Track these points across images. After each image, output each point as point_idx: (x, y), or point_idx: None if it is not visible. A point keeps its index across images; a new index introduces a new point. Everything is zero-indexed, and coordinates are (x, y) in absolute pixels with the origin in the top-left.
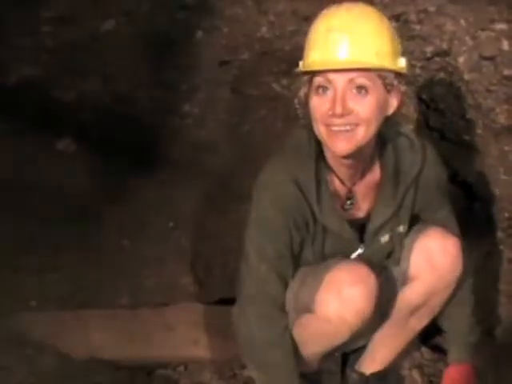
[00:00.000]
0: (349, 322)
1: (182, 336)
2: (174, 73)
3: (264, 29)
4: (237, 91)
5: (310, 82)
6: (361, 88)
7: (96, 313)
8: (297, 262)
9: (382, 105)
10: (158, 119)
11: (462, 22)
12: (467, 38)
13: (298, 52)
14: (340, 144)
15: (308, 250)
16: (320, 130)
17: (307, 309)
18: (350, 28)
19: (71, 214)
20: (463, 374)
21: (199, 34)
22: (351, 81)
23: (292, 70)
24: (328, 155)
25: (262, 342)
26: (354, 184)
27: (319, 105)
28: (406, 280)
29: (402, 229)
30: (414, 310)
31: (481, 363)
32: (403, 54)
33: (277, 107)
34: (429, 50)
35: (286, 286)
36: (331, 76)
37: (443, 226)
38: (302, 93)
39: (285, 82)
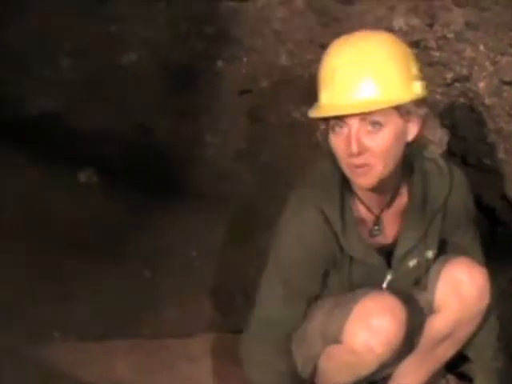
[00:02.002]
0: (377, 353)
1: (205, 367)
2: (195, 103)
3: (283, 57)
4: (257, 119)
5: (327, 119)
6: (374, 124)
7: (119, 343)
8: (320, 291)
9: (400, 135)
10: (180, 149)
11: (482, 47)
12: (487, 64)
13: (318, 83)
14: (361, 179)
15: (334, 279)
16: (342, 165)
17: (335, 339)
18: (357, 66)
19: (94, 244)
20: None
21: (219, 63)
22: (364, 119)
23: (311, 97)
24: (354, 184)
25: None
26: (381, 211)
27: (337, 144)
28: (432, 309)
29: (430, 254)
30: (441, 341)
31: None
32: (419, 77)
33: (297, 134)
34: (449, 76)
35: (297, 325)
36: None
37: (468, 252)
38: (321, 129)
39: (304, 109)
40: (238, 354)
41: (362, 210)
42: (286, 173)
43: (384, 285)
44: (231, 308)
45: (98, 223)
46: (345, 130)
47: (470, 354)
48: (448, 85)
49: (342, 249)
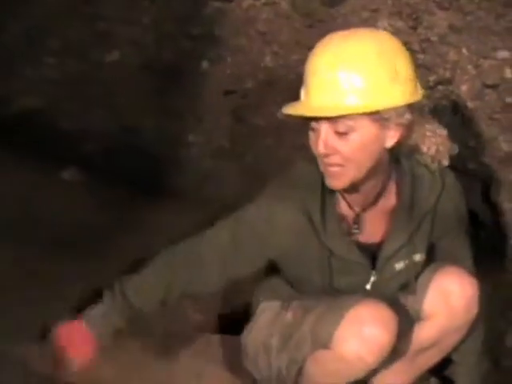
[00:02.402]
0: (367, 363)
1: (185, 366)
2: (179, 102)
3: (268, 58)
4: (241, 120)
5: (306, 117)
6: (345, 127)
7: None
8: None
9: (374, 141)
10: (164, 148)
11: (465, 50)
12: (470, 67)
13: (302, 81)
14: (332, 180)
15: (315, 275)
16: (319, 163)
17: (325, 344)
18: (332, 68)
19: (79, 243)
20: None
21: (204, 63)
22: (335, 121)
23: (296, 98)
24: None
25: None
26: (363, 210)
27: (311, 142)
28: (419, 317)
29: (418, 257)
30: (426, 348)
31: None
32: (409, 80)
33: (281, 136)
34: (432, 78)
35: (203, 288)
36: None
37: (457, 258)
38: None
39: None
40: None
41: (343, 208)
42: (270, 173)
43: (368, 286)
44: (213, 309)
45: (81, 222)
46: (317, 130)
47: (455, 357)
48: (431, 87)
49: (321, 243)
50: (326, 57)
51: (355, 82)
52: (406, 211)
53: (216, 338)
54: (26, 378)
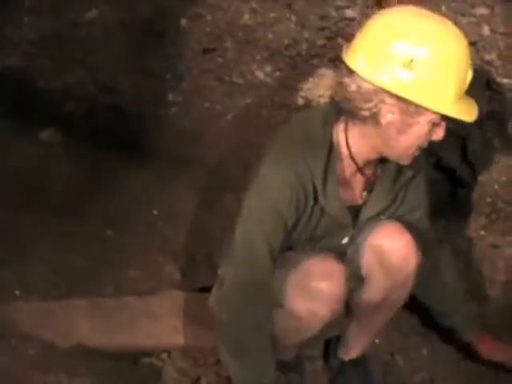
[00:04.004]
0: (319, 317)
1: (165, 324)
2: (158, 61)
3: (246, 16)
4: (221, 79)
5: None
6: None
7: (81, 302)
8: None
9: None
10: (143, 108)
11: (443, 8)
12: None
13: (281, 39)
14: (408, 161)
15: (302, 227)
16: (402, 147)
17: (277, 302)
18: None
19: (55, 203)
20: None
21: (183, 21)
22: None
23: (275, 57)
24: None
25: (246, 320)
26: (362, 175)
27: (423, 135)
28: (359, 278)
29: None
30: (375, 307)
31: None
32: None
33: (261, 95)
34: None
35: (274, 260)
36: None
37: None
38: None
39: (268, 69)
40: (213, 308)
41: (346, 170)
42: (250, 133)
43: (344, 241)
44: (193, 268)
45: (59, 183)
46: (439, 125)
47: (444, 308)
48: None
49: (316, 200)
50: (465, 49)
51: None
52: (390, 179)
53: (194, 296)
54: (1, 336)
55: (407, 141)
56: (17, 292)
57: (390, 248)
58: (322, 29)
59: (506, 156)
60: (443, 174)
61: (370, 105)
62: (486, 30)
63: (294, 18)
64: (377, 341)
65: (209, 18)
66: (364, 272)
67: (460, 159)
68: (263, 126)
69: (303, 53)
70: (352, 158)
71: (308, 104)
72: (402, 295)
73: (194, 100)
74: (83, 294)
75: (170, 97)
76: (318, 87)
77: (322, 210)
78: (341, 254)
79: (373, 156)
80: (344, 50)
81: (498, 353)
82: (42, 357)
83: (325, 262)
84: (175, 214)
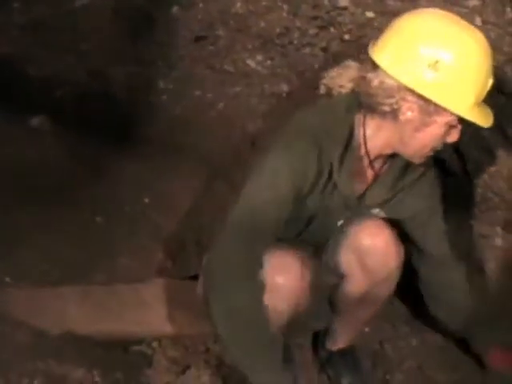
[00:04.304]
0: (278, 311)
1: (155, 312)
2: (150, 48)
3: (238, 4)
4: (212, 67)
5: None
6: None
7: (71, 289)
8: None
9: None
10: (134, 95)
11: None
12: None
13: (273, 28)
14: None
15: (314, 198)
16: (416, 147)
17: None
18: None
19: (45, 190)
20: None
21: (175, 9)
22: None
23: (266, 46)
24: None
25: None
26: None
27: (439, 136)
28: (339, 275)
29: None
30: (359, 302)
31: None
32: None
33: (252, 83)
34: None
35: (278, 231)
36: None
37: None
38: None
39: (260, 57)
40: (205, 273)
41: (359, 163)
42: (241, 121)
43: (339, 223)
44: (184, 256)
45: (49, 170)
46: (456, 127)
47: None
48: None
49: (330, 176)
50: (489, 59)
51: None
52: (392, 177)
53: (185, 284)
54: None
55: (422, 139)
56: (7, 279)
57: (370, 248)
58: (314, 18)
59: (495, 147)
60: (433, 164)
61: (392, 101)
62: (477, 21)
63: (285, 6)
64: (366, 329)
65: (201, 5)
66: (343, 269)
67: (450, 150)
68: (254, 114)
69: (295, 41)
70: (366, 151)
71: (329, 92)
72: (385, 290)
73: (185, 88)
74: (73, 281)
75: (161, 84)
76: (342, 77)
77: (334, 187)
78: (321, 245)
79: (386, 151)
80: (370, 46)
81: (507, 366)
82: (32, 344)
83: (280, 256)
84: (166, 201)
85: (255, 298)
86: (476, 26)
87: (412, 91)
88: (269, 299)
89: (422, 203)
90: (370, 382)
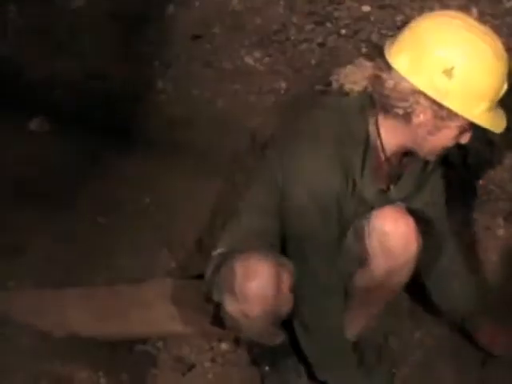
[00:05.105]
0: (252, 317)
1: (159, 311)
2: (147, 48)
3: (235, 2)
4: (210, 65)
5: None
6: None
7: (74, 291)
8: None
9: None
10: (132, 95)
11: None
12: (437, 6)
13: (269, 25)
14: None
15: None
16: (431, 147)
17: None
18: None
19: (45, 192)
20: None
21: (171, 8)
22: None
23: (263, 42)
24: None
25: None
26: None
27: (451, 138)
28: (361, 261)
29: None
30: (375, 290)
31: None
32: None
33: (250, 80)
34: (399, 18)
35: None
36: None
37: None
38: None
39: (257, 54)
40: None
41: (377, 161)
42: (239, 119)
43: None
44: (186, 255)
45: (49, 172)
46: (468, 130)
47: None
48: (398, 28)
49: (354, 186)
50: (504, 71)
51: None
52: (418, 169)
53: (187, 283)
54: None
55: (435, 142)
56: (10, 283)
57: (392, 230)
58: (311, 13)
59: (496, 139)
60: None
61: (405, 104)
62: (474, 12)
63: (282, 2)
64: (372, 324)
65: (197, 4)
66: (365, 253)
67: None
68: (253, 111)
69: (292, 38)
70: (382, 149)
71: (341, 89)
72: (401, 279)
73: (183, 86)
74: (76, 282)
75: (159, 84)
76: (356, 75)
77: (359, 194)
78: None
79: (400, 150)
80: (387, 46)
81: (499, 345)
82: (36, 346)
83: (248, 261)
84: (166, 201)
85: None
86: (473, 17)
87: (426, 95)
88: (239, 305)
89: (435, 195)
90: (375, 377)
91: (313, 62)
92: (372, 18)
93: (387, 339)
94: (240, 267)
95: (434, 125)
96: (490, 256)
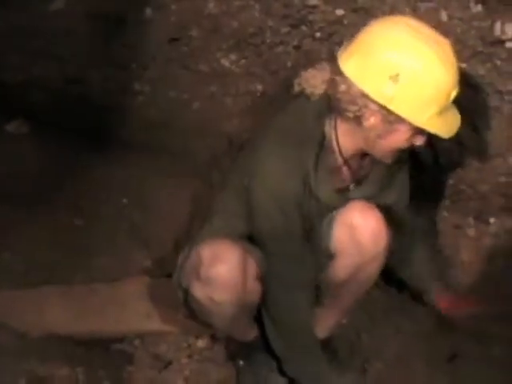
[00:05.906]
0: (218, 303)
1: (135, 309)
2: (124, 51)
3: (211, 5)
4: (187, 68)
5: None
6: None
7: (50, 290)
8: None
9: None
10: (109, 98)
11: None
12: (407, 10)
13: (246, 28)
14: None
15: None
16: (386, 148)
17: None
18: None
19: (23, 193)
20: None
21: (148, 11)
22: None
23: (240, 45)
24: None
25: None
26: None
27: (403, 141)
28: (330, 254)
29: None
30: (345, 285)
31: None
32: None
33: (226, 83)
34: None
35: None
36: None
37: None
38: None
39: (234, 57)
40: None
41: (336, 163)
42: (216, 121)
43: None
44: (162, 254)
45: (27, 174)
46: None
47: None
48: None
49: (310, 188)
50: (452, 69)
51: None
52: (382, 171)
53: (164, 282)
54: None
55: (387, 144)
56: None
57: (362, 225)
58: (286, 16)
59: (466, 139)
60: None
61: (355, 107)
62: (443, 16)
63: (258, 6)
64: (343, 321)
65: (173, 7)
66: (334, 248)
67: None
68: (229, 114)
69: (268, 40)
70: (340, 152)
71: (302, 92)
72: (371, 274)
73: (160, 89)
74: (53, 281)
75: (136, 86)
76: (315, 78)
77: (315, 194)
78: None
79: (358, 152)
80: (340, 50)
81: (457, 309)
82: (14, 345)
83: (215, 246)
84: (143, 201)
85: None
86: (442, 21)
87: (374, 100)
88: (206, 290)
89: (405, 193)
90: (348, 372)
91: (289, 64)
92: (345, 22)
93: (359, 335)
94: (207, 251)
95: (383, 128)
96: (460, 254)
